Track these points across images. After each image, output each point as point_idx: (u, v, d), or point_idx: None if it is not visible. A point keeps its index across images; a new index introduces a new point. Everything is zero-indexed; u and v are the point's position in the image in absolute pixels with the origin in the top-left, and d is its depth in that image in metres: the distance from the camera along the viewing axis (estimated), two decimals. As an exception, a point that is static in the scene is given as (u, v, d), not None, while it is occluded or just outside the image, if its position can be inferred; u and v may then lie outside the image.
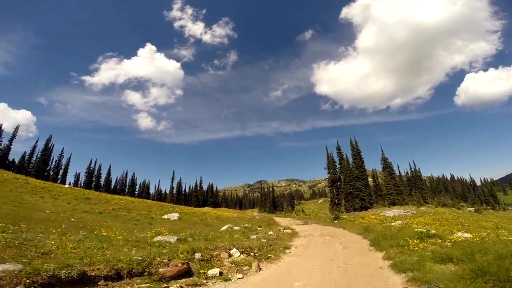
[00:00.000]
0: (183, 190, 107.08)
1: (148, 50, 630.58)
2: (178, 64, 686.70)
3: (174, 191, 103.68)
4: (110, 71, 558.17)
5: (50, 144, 77.51)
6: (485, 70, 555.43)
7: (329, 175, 65.59)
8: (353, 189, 55.83)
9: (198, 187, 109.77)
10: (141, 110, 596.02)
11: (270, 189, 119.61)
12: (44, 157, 74.50)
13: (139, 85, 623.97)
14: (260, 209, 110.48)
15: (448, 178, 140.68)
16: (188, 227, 19.27)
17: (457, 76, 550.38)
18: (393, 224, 18.11)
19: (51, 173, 75.96)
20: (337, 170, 64.16)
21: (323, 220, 31.28)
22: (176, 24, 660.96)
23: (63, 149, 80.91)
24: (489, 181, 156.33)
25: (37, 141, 76.67)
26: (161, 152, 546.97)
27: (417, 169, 66.94)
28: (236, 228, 19.95)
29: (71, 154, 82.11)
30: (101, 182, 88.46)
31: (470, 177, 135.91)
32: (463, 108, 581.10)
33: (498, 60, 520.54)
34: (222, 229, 20.03)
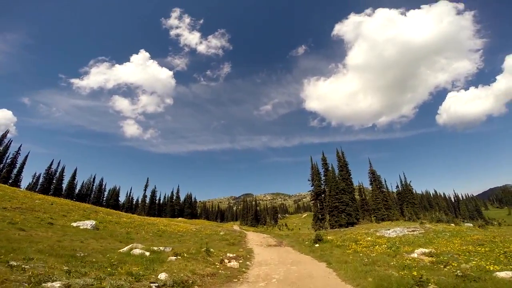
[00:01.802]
0: (157, 199, 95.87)
1: (141, 57, 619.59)
2: (171, 73, 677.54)
3: (147, 200, 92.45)
4: (100, 75, 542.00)
5: (5, 140, 66.35)
6: (466, 89, 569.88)
7: (313, 187, 57.27)
8: (338, 203, 47.53)
9: (174, 197, 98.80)
10: (128, 117, 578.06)
11: (253, 202, 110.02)
12: None
13: (129, 91, 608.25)
14: (241, 222, 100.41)
15: (431, 194, 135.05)
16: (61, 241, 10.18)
17: (439, 95, 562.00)
18: (423, 260, 9.60)
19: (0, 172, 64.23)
20: (322, 182, 56.06)
21: (300, 241, 22.46)
22: (173, 33, 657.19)
23: (20, 146, 69.31)
24: (470, 196, 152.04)
25: None
26: (145, 161, 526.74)
27: (408, 183, 59.41)
28: (146, 253, 11.00)
29: (28, 152, 70.53)
30: (63, 186, 76.72)
31: (455, 193, 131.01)
32: (444, 127, 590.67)
33: (479, 78, 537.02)
34: (123, 250, 11.37)
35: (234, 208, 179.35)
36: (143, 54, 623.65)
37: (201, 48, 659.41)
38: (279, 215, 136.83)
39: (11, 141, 67.43)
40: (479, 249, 11.12)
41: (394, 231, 20.75)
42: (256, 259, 13.46)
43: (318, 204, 55.38)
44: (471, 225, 43.45)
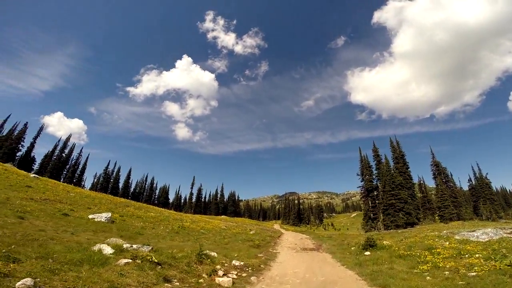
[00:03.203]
0: (203, 197, 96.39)
1: (185, 62, 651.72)
2: (213, 76, 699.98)
3: (194, 197, 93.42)
4: (151, 82, 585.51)
5: (69, 143, 72.48)
6: None
7: (363, 182, 49.73)
8: (395, 200, 39.71)
9: (218, 195, 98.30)
10: (179, 121, 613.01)
11: (296, 201, 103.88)
12: (60, 156, 69.16)
13: (177, 96, 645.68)
14: (283, 221, 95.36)
15: (508, 191, 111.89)
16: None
17: (510, 80, 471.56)
18: None
19: (66, 172, 70.16)
20: (374, 177, 48.27)
21: (345, 245, 17.16)
22: (209, 35, 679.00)
23: (82, 148, 76.18)
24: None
25: (58, 141, 71.79)
26: (195, 162, 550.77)
27: (485, 176, 47.79)
28: (109, 251, 7.47)
29: (88, 154, 76.41)
30: (119, 185, 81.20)
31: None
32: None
33: None
34: (94, 247, 8.04)
35: (277, 207, 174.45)
36: (186, 59, 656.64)
37: (238, 48, 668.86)
38: (324, 214, 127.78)
39: (75, 144, 73.59)
40: None
41: (484, 233, 14.19)
42: (270, 273, 8.99)
43: (370, 202, 47.80)
44: None
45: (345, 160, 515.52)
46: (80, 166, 73.66)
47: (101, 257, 7.15)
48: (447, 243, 12.26)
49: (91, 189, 68.26)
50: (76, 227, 13.26)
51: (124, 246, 8.75)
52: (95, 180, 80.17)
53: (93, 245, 8.72)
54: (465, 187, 58.21)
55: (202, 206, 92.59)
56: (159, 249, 9.52)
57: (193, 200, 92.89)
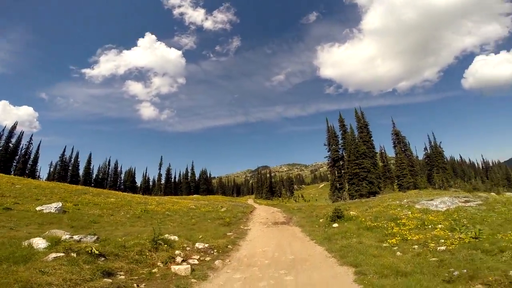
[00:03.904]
0: (172, 177, 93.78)
1: (148, 40, 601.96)
2: (180, 53, 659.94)
3: (163, 179, 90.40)
4: (110, 62, 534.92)
5: (15, 132, 63.85)
6: (496, 53, 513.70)
7: (329, 152, 51.00)
8: (359, 169, 41.44)
9: (189, 174, 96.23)
10: (144, 100, 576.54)
11: (268, 174, 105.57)
12: (7, 147, 61.16)
13: (140, 75, 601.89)
14: (256, 195, 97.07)
15: (456, 160, 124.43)
16: None
17: (466, 59, 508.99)
18: None
19: (16, 164, 62.70)
20: (340, 146, 49.64)
21: (314, 217, 17.27)
22: (176, 12, 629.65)
23: (32, 135, 67.94)
24: (496, 163, 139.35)
25: (3, 130, 62.86)
26: (163, 141, 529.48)
27: (438, 144, 51.60)
28: (41, 245, 5.99)
29: (40, 142, 68.83)
30: (79, 172, 75.23)
31: (483, 159, 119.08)
32: (470, 91, 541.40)
33: (509, 43, 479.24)
34: (25, 242, 6.55)
35: (251, 181, 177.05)
36: (149, 37, 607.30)
37: (208, 24, 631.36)
38: (295, 186, 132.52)
39: (23, 132, 65.19)
40: None
41: (442, 201, 14.92)
42: (238, 254, 8.36)
43: (336, 172, 49.61)
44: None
45: (314, 132, 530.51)
46: (32, 156, 66.31)
47: (27, 253, 5.86)
48: (410, 212, 12.59)
49: (47, 179, 62.13)
50: (18, 221, 11.94)
51: (63, 237, 7.40)
52: (51, 169, 73.18)
53: (28, 240, 7.34)
54: (421, 156, 62.83)
55: (172, 187, 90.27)
56: (109, 238, 8.31)
57: (162, 181, 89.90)
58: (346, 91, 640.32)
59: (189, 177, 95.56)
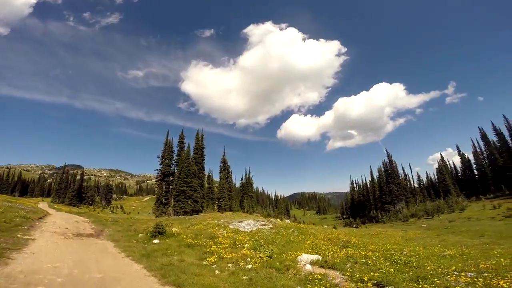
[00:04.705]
0: None
1: None
2: (32, 1, 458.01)
3: None
4: None
5: None
6: (305, 115, 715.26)
7: (161, 166, 49.59)
8: (187, 187, 42.83)
9: None
10: None
11: (79, 176, 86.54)
12: None
13: None
14: (54, 199, 75.98)
15: (259, 191, 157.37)
16: None
17: (287, 114, 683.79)
18: (326, 276, 5.87)
19: None
20: (173, 162, 49.67)
21: (132, 231, 15.68)
22: None
23: None
24: (282, 197, 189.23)
25: None
26: None
27: (251, 177, 63.35)
28: None
29: None
30: None
31: (275, 193, 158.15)
32: (280, 140, 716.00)
33: (316, 109, 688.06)
34: None
35: (50, 180, 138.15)
36: None
37: None
38: (114, 196, 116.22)
39: None
40: (369, 254, 9.06)
41: (248, 224, 18.07)
42: (9, 268, 5.99)
43: (164, 186, 48.57)
44: (288, 221, 50.37)
45: (150, 141, 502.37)
46: None
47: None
48: (225, 232, 14.30)
49: None
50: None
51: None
52: None
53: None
54: (238, 184, 74.61)
55: None
56: None
57: None
58: (197, 111, 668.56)
59: None
